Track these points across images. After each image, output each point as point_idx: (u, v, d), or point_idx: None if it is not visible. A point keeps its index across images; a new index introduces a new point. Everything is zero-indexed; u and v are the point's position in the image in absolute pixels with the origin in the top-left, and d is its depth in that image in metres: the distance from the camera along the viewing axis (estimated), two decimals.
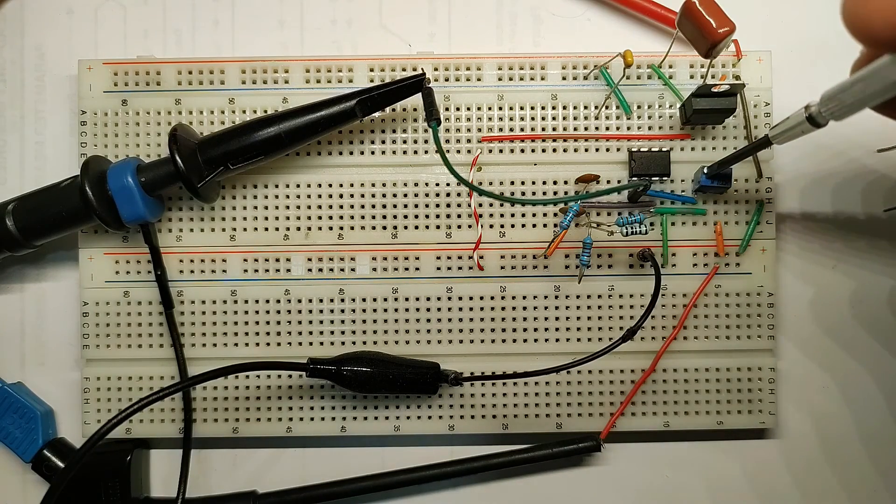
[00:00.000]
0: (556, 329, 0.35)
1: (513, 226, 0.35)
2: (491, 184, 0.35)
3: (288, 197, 0.35)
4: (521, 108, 0.35)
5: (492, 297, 0.35)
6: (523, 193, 0.35)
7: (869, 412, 0.36)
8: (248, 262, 0.35)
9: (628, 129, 0.35)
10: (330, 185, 0.35)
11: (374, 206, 0.35)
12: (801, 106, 0.26)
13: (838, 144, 0.36)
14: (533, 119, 0.35)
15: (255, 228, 0.35)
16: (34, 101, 0.37)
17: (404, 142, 0.35)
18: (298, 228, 0.35)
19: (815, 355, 0.36)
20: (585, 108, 0.35)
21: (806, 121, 0.25)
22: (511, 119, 0.35)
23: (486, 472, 0.35)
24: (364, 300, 0.35)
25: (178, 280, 0.35)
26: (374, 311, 0.35)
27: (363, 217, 0.35)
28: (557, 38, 0.37)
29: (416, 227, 0.35)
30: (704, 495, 0.36)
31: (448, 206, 0.35)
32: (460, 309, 0.35)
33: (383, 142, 0.35)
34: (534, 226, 0.35)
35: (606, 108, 0.35)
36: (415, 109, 0.35)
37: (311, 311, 0.35)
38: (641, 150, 0.34)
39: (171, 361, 0.34)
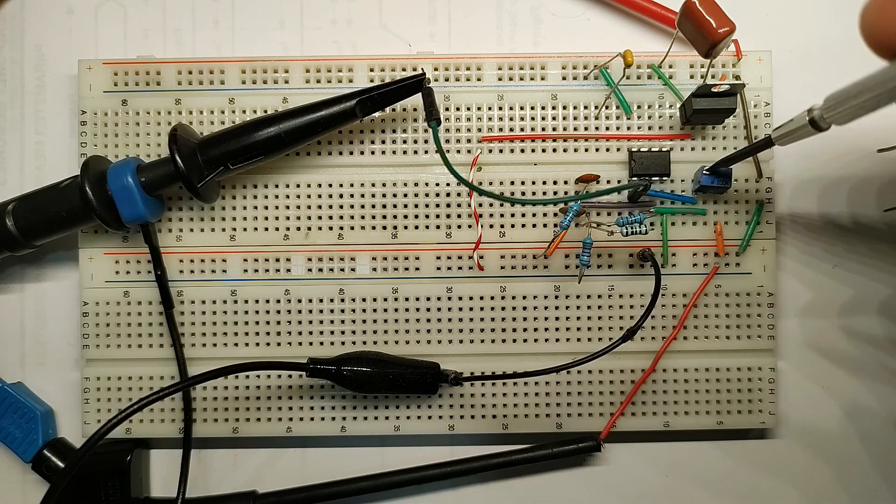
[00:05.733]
0: (556, 329, 0.35)
1: (513, 226, 0.35)
2: (491, 184, 0.35)
3: (288, 197, 0.35)
4: (521, 108, 0.35)
5: (492, 297, 0.35)
6: (523, 193, 0.35)
7: (868, 412, 0.36)
8: (248, 262, 0.35)
9: (628, 129, 0.35)
10: (330, 185, 0.35)
11: (374, 206, 0.35)
12: (803, 107, 0.26)
13: (838, 144, 0.36)
14: (533, 119, 0.35)
15: (255, 228, 0.35)
16: (34, 101, 0.37)
17: (404, 142, 0.35)
18: (298, 228, 0.35)
19: (815, 355, 0.36)
20: (585, 108, 0.35)
21: (808, 124, 0.25)
22: (511, 119, 0.35)
23: (486, 472, 0.35)
24: (364, 300, 0.35)
25: (178, 280, 0.35)
26: (374, 311, 0.35)
27: (363, 217, 0.35)
28: (557, 38, 0.37)
29: (416, 227, 0.35)
30: (704, 495, 0.36)
31: (448, 206, 0.35)
32: (460, 309, 0.35)
33: (383, 142, 0.35)
34: (534, 226, 0.35)
35: (606, 108, 0.35)
36: (415, 109, 0.35)
37: (311, 311, 0.35)
38: (641, 150, 0.34)
39: (171, 361, 0.34)
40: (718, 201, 0.35)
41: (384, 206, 0.35)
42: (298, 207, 0.35)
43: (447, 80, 0.35)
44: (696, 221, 0.35)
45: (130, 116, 0.35)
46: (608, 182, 0.35)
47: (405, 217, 0.35)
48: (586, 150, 0.35)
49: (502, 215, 0.35)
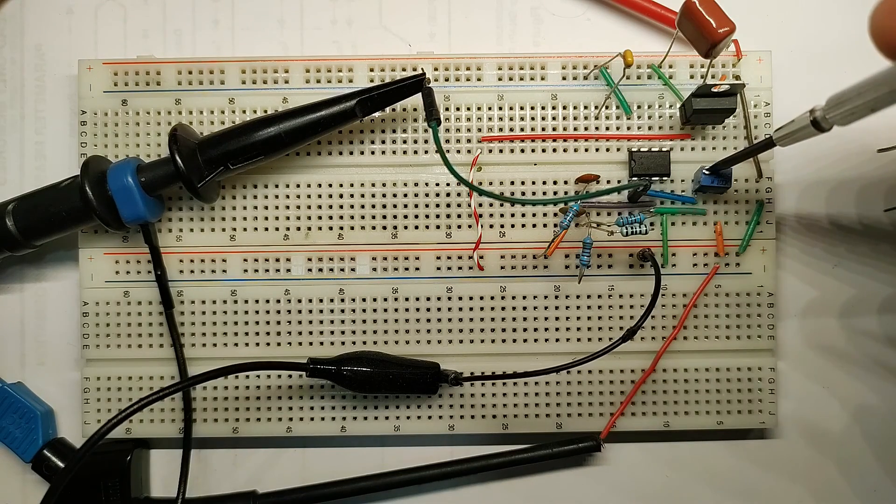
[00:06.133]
0: (556, 329, 0.35)
1: (513, 226, 0.35)
2: (491, 184, 0.35)
3: (288, 197, 0.35)
4: (521, 108, 0.35)
5: (492, 297, 0.35)
6: (523, 193, 0.35)
7: (869, 411, 0.36)
8: (248, 262, 0.35)
9: (628, 129, 0.35)
10: (330, 185, 0.35)
11: (374, 206, 0.35)
12: (803, 107, 0.26)
13: (838, 144, 0.36)
14: (533, 119, 0.35)
15: (255, 228, 0.35)
16: (34, 101, 0.37)
17: (404, 142, 0.35)
18: (298, 228, 0.35)
19: (815, 355, 0.36)
20: (585, 108, 0.35)
21: (810, 125, 0.25)
22: (511, 119, 0.35)
23: (486, 472, 0.35)
24: (364, 300, 0.35)
25: (178, 280, 0.35)
26: (374, 311, 0.35)
27: (363, 217, 0.35)
28: (557, 38, 0.37)
29: (416, 227, 0.35)
30: (705, 495, 0.36)
31: (448, 206, 0.35)
32: (460, 309, 0.35)
33: (383, 142, 0.35)
34: (534, 226, 0.35)
35: (606, 108, 0.35)
36: (415, 109, 0.35)
37: (311, 311, 0.35)
38: (641, 150, 0.34)
39: (171, 361, 0.34)
40: (718, 201, 0.35)
41: (384, 206, 0.35)
42: (298, 207, 0.35)
43: (447, 80, 0.35)
44: (696, 221, 0.35)
45: (130, 116, 0.35)
46: (608, 182, 0.35)
47: (405, 217, 0.35)
48: (586, 150, 0.35)
49: (502, 215, 0.35)
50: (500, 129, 0.35)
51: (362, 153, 0.35)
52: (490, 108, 0.35)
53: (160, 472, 0.36)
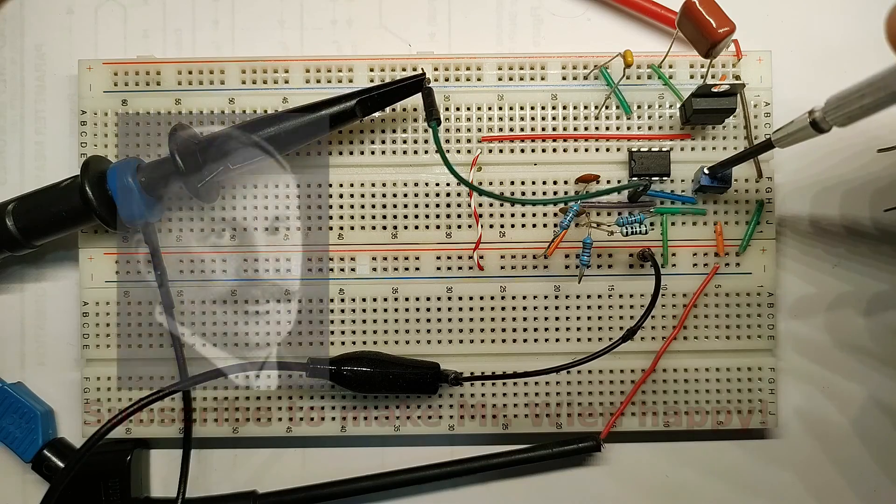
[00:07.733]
0: (556, 329, 0.35)
1: (513, 226, 0.35)
2: (491, 184, 0.35)
3: (288, 197, 0.35)
4: (521, 108, 0.35)
5: (492, 297, 0.35)
6: (523, 193, 0.35)
7: (868, 411, 0.36)
8: (248, 262, 0.35)
9: (628, 129, 0.35)
10: (330, 185, 0.35)
11: (374, 206, 0.35)
12: (803, 107, 0.26)
13: (838, 144, 0.36)
14: (533, 119, 0.35)
15: (256, 228, 0.35)
16: (34, 101, 0.37)
17: (404, 142, 0.35)
18: (298, 228, 0.35)
19: (815, 355, 0.36)
20: (585, 108, 0.35)
21: (809, 126, 0.25)
22: (511, 119, 0.35)
23: (486, 472, 0.35)
24: (364, 300, 0.35)
25: (178, 280, 0.35)
26: (374, 311, 0.35)
27: (363, 217, 0.35)
28: (557, 38, 0.37)
29: (416, 227, 0.35)
30: (704, 495, 0.36)
31: (448, 206, 0.35)
32: (460, 309, 0.35)
33: (383, 142, 0.35)
34: (534, 226, 0.35)
35: (606, 108, 0.35)
36: (415, 109, 0.35)
37: (311, 311, 0.35)
38: (641, 150, 0.34)
39: (171, 361, 0.34)
40: (718, 201, 0.35)
41: (384, 206, 0.35)
42: (298, 207, 0.35)
43: (447, 80, 0.35)
44: (696, 221, 0.35)
45: (130, 116, 0.35)
46: (608, 182, 0.35)
47: (405, 217, 0.35)
48: (586, 150, 0.35)
49: (502, 215, 0.35)
50: (500, 129, 0.35)
51: (362, 153, 0.35)
52: (490, 108, 0.35)
53: (160, 472, 0.36)
